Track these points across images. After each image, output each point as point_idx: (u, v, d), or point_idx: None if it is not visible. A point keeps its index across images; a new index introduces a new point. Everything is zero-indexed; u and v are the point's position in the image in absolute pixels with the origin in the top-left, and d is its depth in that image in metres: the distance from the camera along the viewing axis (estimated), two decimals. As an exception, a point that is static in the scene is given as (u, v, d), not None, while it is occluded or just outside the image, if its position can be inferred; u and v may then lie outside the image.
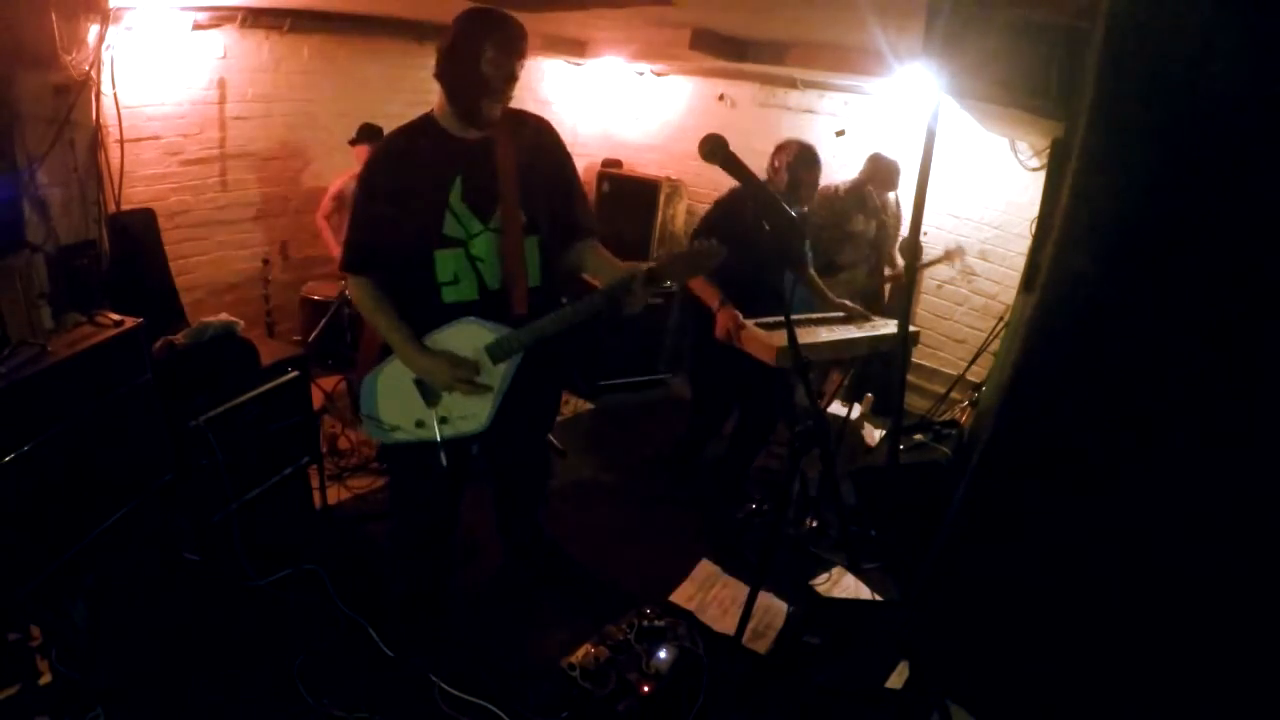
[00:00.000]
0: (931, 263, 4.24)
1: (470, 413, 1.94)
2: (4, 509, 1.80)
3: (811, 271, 3.20)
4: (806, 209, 3.11)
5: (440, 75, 1.81)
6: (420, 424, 1.95)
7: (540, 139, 1.98)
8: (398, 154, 1.86)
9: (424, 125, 1.88)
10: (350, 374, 3.75)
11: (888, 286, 4.15)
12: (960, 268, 4.34)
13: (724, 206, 2.93)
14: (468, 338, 1.88)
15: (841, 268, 3.85)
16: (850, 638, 2.44)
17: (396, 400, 1.95)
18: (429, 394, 1.92)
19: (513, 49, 1.75)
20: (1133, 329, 1.10)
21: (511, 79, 1.78)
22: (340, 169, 4.29)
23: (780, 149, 2.89)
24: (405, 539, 2.36)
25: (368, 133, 4.10)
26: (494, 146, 1.86)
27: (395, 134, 1.90)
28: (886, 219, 3.96)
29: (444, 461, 1.90)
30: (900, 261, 4.08)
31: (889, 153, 3.89)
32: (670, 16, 3.37)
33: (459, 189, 1.83)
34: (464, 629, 2.37)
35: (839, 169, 4.27)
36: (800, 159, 2.80)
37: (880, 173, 3.83)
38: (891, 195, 3.96)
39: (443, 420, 1.93)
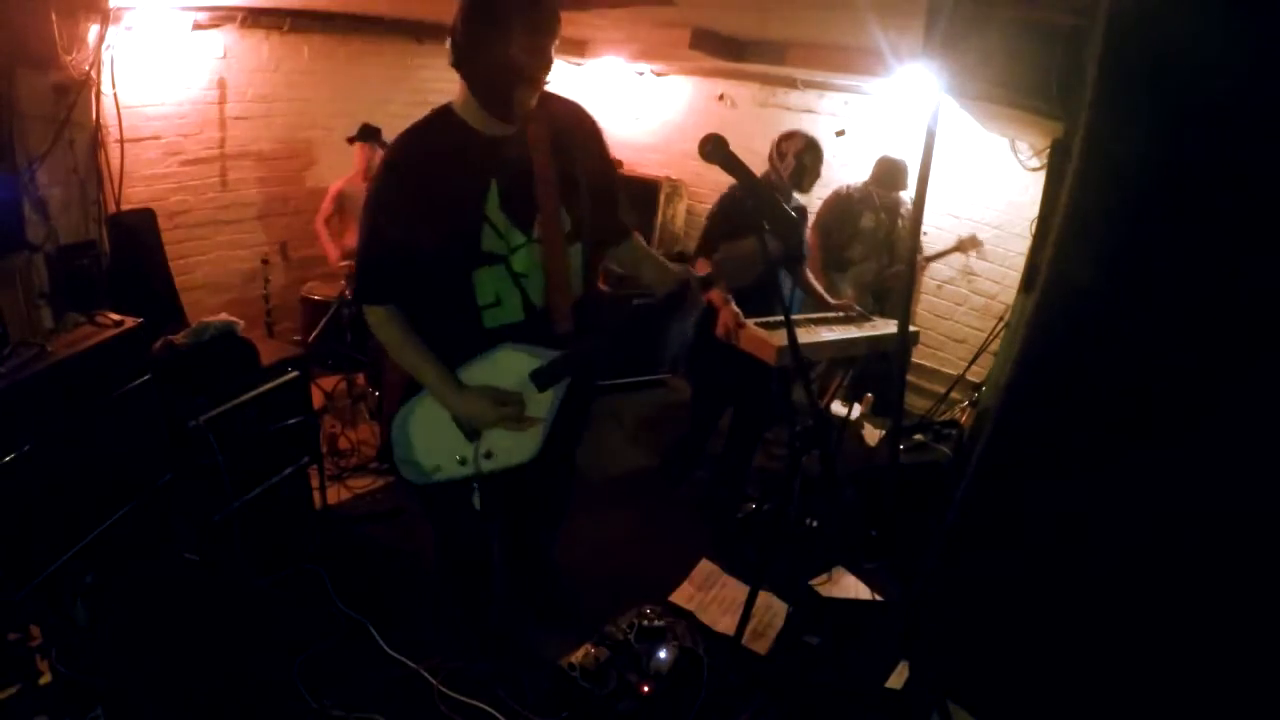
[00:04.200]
0: (944, 252, 4.32)
1: (517, 443, 1.74)
2: (4, 509, 1.80)
3: (808, 273, 3.20)
4: (803, 204, 3.13)
5: (459, 63, 1.53)
6: (463, 461, 1.73)
7: (578, 128, 1.72)
8: (419, 160, 1.57)
9: (443, 122, 1.60)
10: (351, 375, 3.75)
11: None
12: (972, 258, 4.38)
13: (725, 204, 2.94)
14: (508, 366, 1.67)
15: (851, 263, 4.00)
16: (850, 638, 2.44)
17: (433, 439, 1.73)
18: (470, 429, 1.71)
19: (545, 27, 1.48)
20: (1133, 329, 1.10)
21: (547, 64, 1.51)
22: (340, 169, 4.29)
23: (787, 137, 2.98)
24: (455, 581, 2.24)
25: (367, 132, 4.10)
26: (527, 142, 1.61)
27: (410, 136, 1.60)
28: (901, 217, 4.06)
29: (477, 504, 1.74)
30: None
31: (893, 153, 3.97)
32: (670, 16, 3.37)
33: (495, 195, 1.59)
34: (463, 629, 2.36)
35: (839, 169, 4.28)
36: (808, 148, 2.92)
37: (884, 174, 3.96)
38: (904, 195, 4.06)
39: (487, 455, 1.73)
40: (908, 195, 4.06)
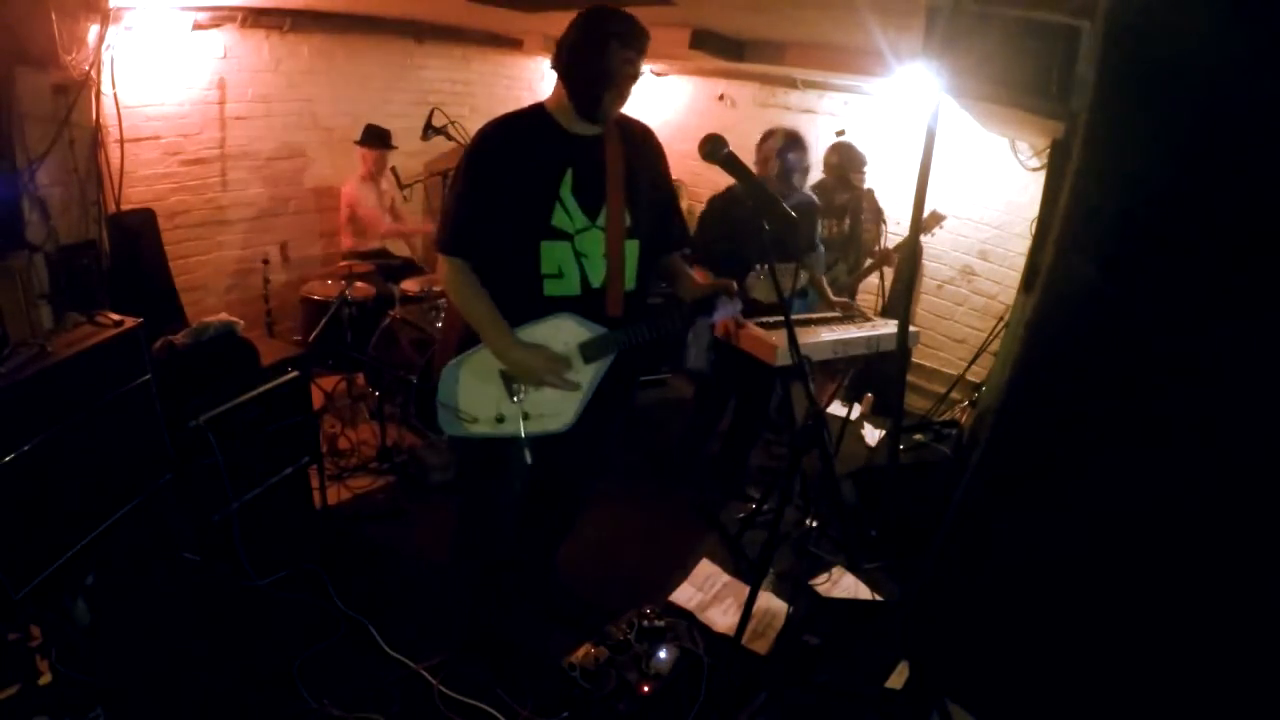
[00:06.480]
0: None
1: (555, 411, 1.88)
2: (4, 509, 1.80)
3: (818, 271, 3.20)
4: (815, 198, 3.12)
5: (559, 67, 1.80)
6: (501, 419, 1.87)
7: (646, 145, 1.98)
8: (509, 139, 1.81)
9: (536, 116, 1.85)
10: (351, 375, 3.75)
11: (887, 275, 4.08)
12: (973, 257, 4.31)
13: (718, 205, 2.93)
14: (562, 333, 1.84)
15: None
16: (850, 638, 2.44)
17: (478, 391, 1.87)
18: (513, 388, 1.85)
19: (636, 44, 1.75)
20: (1132, 329, 1.10)
21: (634, 75, 1.79)
22: (340, 169, 4.30)
23: (766, 137, 2.94)
24: (474, 560, 2.22)
25: (375, 137, 4.08)
26: (603, 145, 1.85)
27: (506, 119, 1.85)
28: (863, 212, 3.90)
29: (529, 458, 1.83)
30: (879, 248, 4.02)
31: (889, 151, 3.88)
32: (670, 16, 3.37)
33: (569, 182, 1.80)
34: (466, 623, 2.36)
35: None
36: (787, 144, 2.86)
37: (846, 159, 3.78)
38: (864, 186, 3.91)
39: (525, 417, 1.86)
40: (866, 187, 3.90)
